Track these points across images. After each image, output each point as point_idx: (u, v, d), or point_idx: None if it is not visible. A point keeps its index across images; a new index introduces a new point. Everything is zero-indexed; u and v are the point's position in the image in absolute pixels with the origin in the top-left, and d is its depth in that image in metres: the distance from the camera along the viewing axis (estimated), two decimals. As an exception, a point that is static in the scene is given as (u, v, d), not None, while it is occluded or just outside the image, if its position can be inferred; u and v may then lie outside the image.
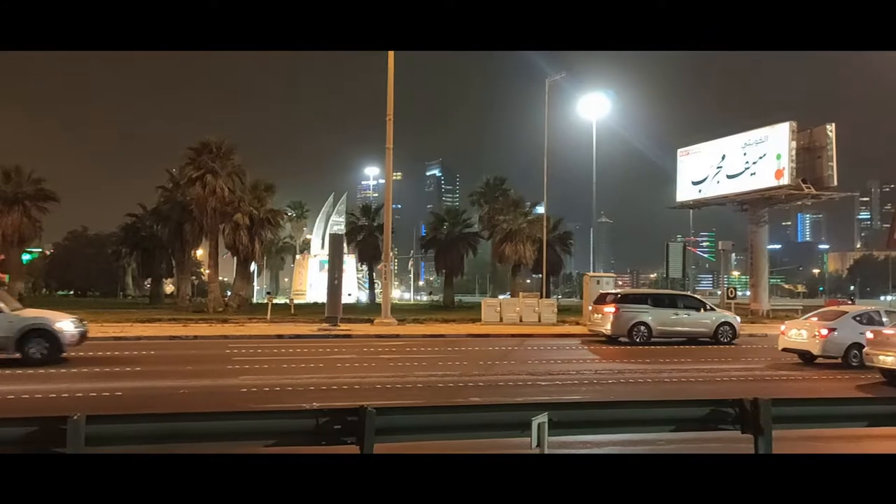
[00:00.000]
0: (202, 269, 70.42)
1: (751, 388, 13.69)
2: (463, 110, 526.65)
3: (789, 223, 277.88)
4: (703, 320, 24.59)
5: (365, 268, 68.39)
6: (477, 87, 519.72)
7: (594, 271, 56.62)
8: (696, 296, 29.85)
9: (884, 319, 19.25)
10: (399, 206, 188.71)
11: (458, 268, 56.18)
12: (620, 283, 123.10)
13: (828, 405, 8.26)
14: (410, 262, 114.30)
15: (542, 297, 36.71)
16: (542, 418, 5.92)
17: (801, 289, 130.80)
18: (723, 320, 24.87)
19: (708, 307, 25.51)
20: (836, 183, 38.14)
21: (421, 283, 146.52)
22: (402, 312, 37.22)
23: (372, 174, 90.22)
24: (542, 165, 41.06)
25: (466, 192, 75.79)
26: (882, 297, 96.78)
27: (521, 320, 31.48)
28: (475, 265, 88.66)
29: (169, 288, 66.02)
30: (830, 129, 37.70)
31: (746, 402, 7.66)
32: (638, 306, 24.61)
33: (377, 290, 56.36)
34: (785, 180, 37.83)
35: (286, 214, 63.97)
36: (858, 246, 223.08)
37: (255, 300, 59.59)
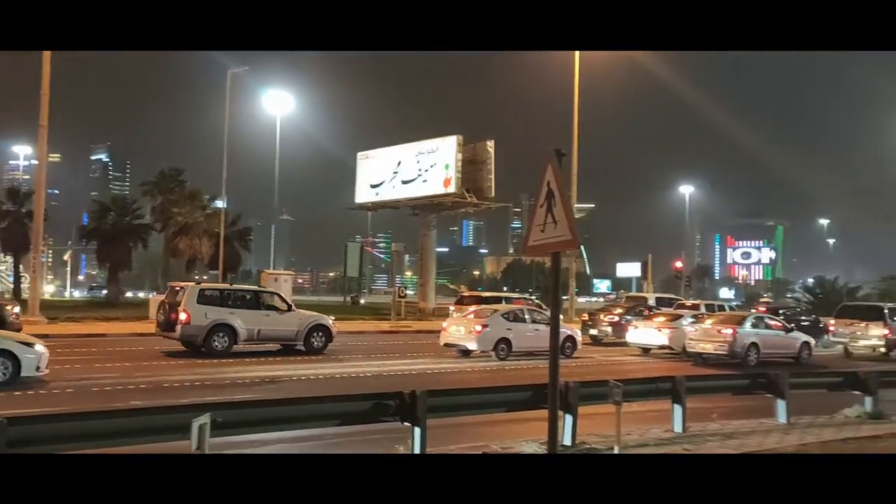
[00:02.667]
0: None
1: (414, 382, 14.66)
2: (137, 92, 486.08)
3: (456, 228, 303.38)
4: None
5: (10, 259, 59.82)
6: (151, 68, 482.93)
7: (274, 268, 56.25)
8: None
9: (526, 317, 21.98)
10: (56, 192, 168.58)
11: (125, 261, 51.73)
12: (300, 280, 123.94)
13: (474, 394, 9.19)
14: (68, 254, 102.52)
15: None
16: (204, 419, 5.71)
17: (464, 289, 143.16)
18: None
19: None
20: (493, 194, 42.58)
21: (81, 277, 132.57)
22: (57, 310, 33.25)
23: (23, 153, 78.90)
24: (222, 158, 39.73)
25: (138, 181, 70.22)
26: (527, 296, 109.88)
27: (193, 318, 30.04)
28: (146, 259, 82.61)
29: None
30: (490, 145, 42.02)
31: (406, 394, 8.20)
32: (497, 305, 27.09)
33: (25, 285, 49.60)
34: (452, 189, 41.25)
35: None
36: (511, 251, 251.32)
37: None
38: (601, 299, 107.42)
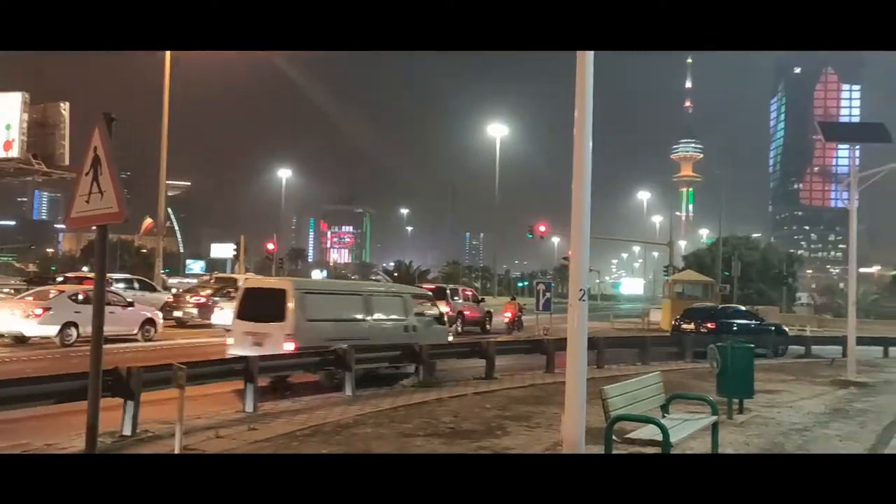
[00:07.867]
0: None
1: None
2: None
3: (26, 199, 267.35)
4: None
5: None
6: None
7: None
8: None
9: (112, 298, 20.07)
10: None
11: None
12: None
13: (12, 386, 8.01)
14: None
15: None
16: None
17: (33, 268, 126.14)
18: None
19: None
20: (68, 162, 38.03)
21: None
22: None
23: None
24: None
25: None
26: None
27: None
28: None
29: None
30: (64, 107, 37.26)
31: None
32: None
33: None
34: (14, 153, 35.68)
35: None
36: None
37: None
38: (195, 280, 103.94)
